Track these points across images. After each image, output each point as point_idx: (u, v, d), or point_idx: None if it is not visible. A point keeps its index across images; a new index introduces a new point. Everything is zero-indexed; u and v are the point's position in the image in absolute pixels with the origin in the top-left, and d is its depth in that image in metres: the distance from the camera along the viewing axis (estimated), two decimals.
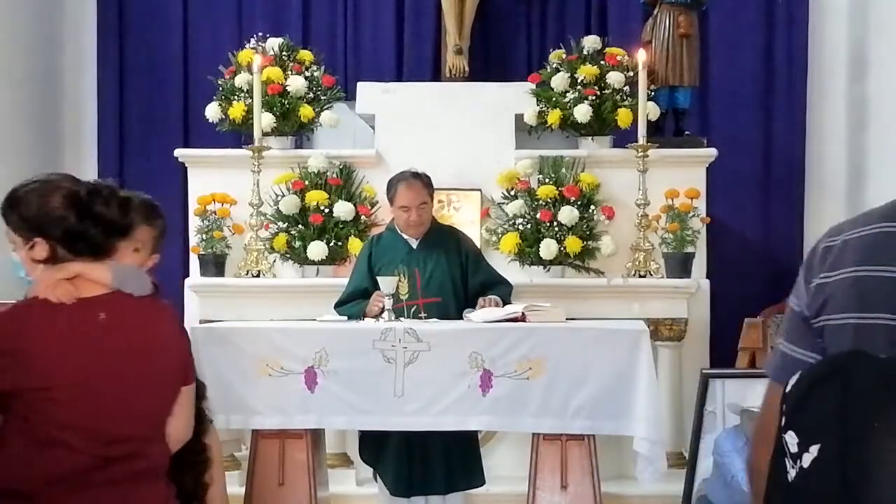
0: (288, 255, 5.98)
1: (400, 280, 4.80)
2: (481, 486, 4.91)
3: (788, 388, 1.61)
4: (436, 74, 6.73)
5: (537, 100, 6.17)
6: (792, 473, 1.57)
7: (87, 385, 2.35)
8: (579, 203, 5.87)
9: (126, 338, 2.43)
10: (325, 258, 5.89)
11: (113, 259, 2.49)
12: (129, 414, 2.41)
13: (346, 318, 4.84)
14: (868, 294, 1.65)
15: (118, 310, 2.43)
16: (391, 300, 4.69)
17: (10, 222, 2.47)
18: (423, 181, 4.98)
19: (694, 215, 5.87)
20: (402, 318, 4.67)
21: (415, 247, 5.00)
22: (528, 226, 5.86)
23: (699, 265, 5.96)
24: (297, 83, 6.15)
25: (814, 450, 1.54)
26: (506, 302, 4.90)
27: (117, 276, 2.45)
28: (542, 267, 5.89)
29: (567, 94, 6.09)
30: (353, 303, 4.96)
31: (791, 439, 1.57)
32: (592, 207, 5.89)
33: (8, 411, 2.34)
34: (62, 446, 2.32)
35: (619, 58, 6.17)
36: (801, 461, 1.55)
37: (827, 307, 1.69)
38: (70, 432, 2.33)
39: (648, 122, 5.81)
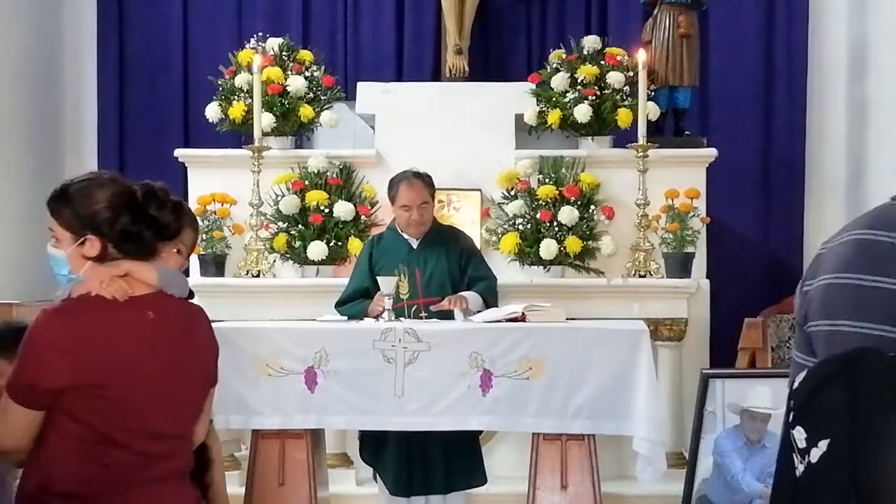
0: (288, 255, 5.98)
1: (400, 280, 4.79)
2: (482, 485, 4.90)
3: (795, 384, 1.62)
4: (436, 74, 6.73)
5: (537, 100, 6.17)
6: (800, 469, 1.58)
7: (138, 382, 2.36)
8: (579, 203, 5.87)
9: (171, 337, 2.46)
10: (325, 258, 5.88)
11: (157, 260, 2.52)
12: (171, 412, 2.44)
13: (346, 317, 4.85)
14: (833, 301, 1.68)
15: (163, 310, 2.45)
16: (391, 300, 4.69)
17: (62, 217, 2.44)
18: (424, 181, 4.99)
19: (694, 215, 5.86)
20: (402, 318, 4.67)
21: (415, 246, 5.00)
22: (528, 226, 5.86)
23: (699, 265, 5.96)
24: (297, 83, 6.14)
25: (823, 444, 1.55)
26: (485, 298, 4.89)
27: (162, 277, 2.48)
28: (542, 267, 5.88)
29: (567, 94, 6.09)
30: (354, 302, 4.96)
31: (799, 434, 1.58)
32: (592, 207, 5.89)
33: (51, 411, 2.34)
34: (110, 444, 2.33)
35: (619, 58, 6.17)
36: (809, 456, 1.56)
37: (809, 313, 1.74)
38: (120, 429, 2.34)
39: (648, 122, 5.81)
